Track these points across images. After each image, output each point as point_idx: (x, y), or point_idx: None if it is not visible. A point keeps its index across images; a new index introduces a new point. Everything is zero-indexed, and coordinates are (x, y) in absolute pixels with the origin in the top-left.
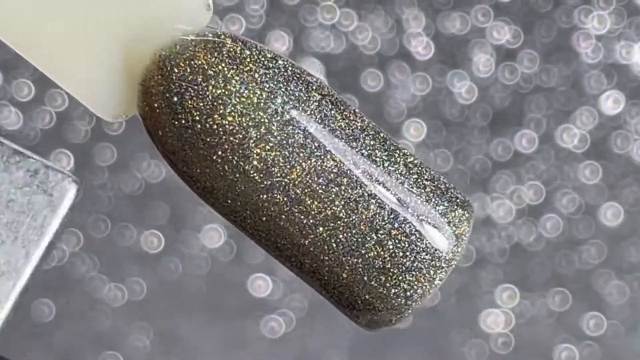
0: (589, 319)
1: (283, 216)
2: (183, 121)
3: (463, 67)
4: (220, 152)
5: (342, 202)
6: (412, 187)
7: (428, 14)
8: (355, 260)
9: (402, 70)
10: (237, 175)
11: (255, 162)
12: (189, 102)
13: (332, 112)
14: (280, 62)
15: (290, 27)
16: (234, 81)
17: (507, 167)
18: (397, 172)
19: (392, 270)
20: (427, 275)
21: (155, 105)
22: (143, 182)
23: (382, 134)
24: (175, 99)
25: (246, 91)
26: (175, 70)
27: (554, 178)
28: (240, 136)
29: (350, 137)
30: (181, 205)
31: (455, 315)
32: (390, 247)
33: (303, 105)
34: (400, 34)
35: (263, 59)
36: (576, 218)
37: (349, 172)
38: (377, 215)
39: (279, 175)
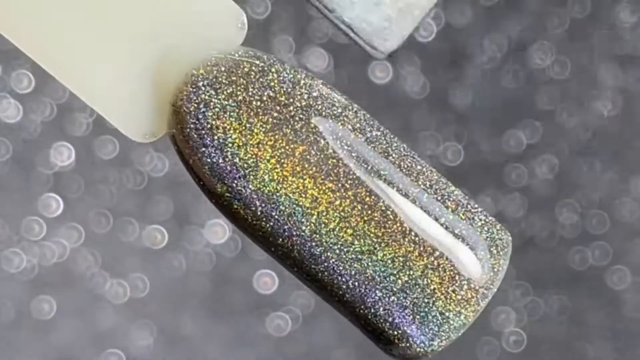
0: (603, 316)
1: (308, 242)
2: (214, 147)
3: (474, 58)
4: (251, 187)
5: (375, 234)
6: (449, 221)
7: (438, 4)
8: (390, 297)
9: (412, 61)
10: (269, 203)
11: (288, 192)
12: (222, 125)
13: (363, 128)
14: (312, 81)
15: (297, 17)
16: (269, 103)
17: (520, 160)
18: (432, 205)
19: (424, 306)
20: (461, 311)
21: (186, 127)
22: (146, 176)
23: (416, 157)
24: (207, 122)
25: (282, 114)
26: (208, 91)
27: (567, 172)
28: (275, 160)
29: (388, 165)
30: (185, 200)
31: None
32: (424, 283)
33: (341, 128)
34: None
35: (297, 78)
36: (590, 213)
37: (383, 203)
38: (412, 252)
39: (311, 203)
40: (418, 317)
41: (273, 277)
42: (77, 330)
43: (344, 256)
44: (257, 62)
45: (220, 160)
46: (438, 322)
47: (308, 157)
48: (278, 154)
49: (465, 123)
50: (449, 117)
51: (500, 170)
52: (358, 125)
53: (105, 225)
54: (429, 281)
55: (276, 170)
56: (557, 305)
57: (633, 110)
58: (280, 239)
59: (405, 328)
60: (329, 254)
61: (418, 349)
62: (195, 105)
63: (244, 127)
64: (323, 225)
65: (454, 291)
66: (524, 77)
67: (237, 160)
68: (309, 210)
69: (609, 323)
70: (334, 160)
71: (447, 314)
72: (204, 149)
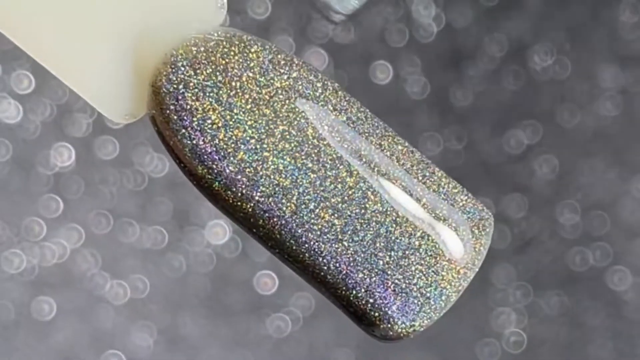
0: (603, 317)
1: (288, 222)
2: (194, 129)
3: (475, 58)
4: (231, 168)
5: (357, 215)
6: (430, 201)
7: (438, 4)
8: (371, 278)
9: (412, 62)
10: (249, 184)
11: (269, 172)
12: (201, 106)
13: (345, 110)
14: (292, 61)
15: (297, 18)
16: (248, 84)
17: (520, 160)
18: (413, 185)
19: (405, 287)
20: (443, 291)
21: (166, 108)
22: (146, 176)
23: (399, 138)
24: (187, 102)
25: (262, 94)
26: (187, 71)
27: (567, 172)
28: (255, 140)
29: (369, 145)
30: (185, 201)
31: (467, 314)
32: (405, 263)
33: (321, 109)
34: (410, 24)
35: (277, 59)
36: (591, 214)
37: (365, 183)
38: (393, 232)
39: (292, 183)
40: (399, 297)
41: (273, 278)
42: (77, 331)
43: (325, 237)
44: (237, 42)
45: (201, 142)
46: (419, 302)
47: (288, 137)
48: (258, 134)
49: (465, 123)
50: (450, 117)
51: (501, 171)
52: (339, 105)
53: (105, 226)
54: (411, 262)
55: (256, 151)
56: (558, 306)
57: (633, 110)
58: (261, 220)
59: (387, 309)
60: (309, 234)
61: (399, 330)
62: (175, 85)
63: (223, 108)
64: (304, 205)
65: (435, 272)
66: (524, 77)
67: (217, 141)
68: (290, 191)
69: (610, 324)
70: (315, 141)
71: (428, 294)
72: (183, 130)
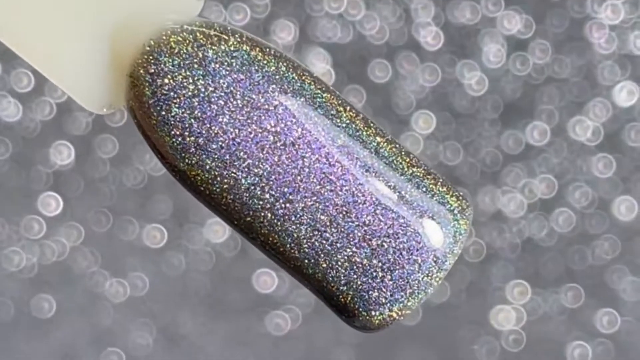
0: (602, 315)
1: (268, 213)
2: (173, 122)
3: (473, 58)
4: (210, 161)
5: (337, 206)
6: (409, 192)
7: (437, 3)
8: (351, 269)
9: (411, 60)
10: (230, 177)
11: (248, 165)
12: (179, 98)
13: (325, 103)
14: (270, 54)
15: (296, 17)
16: (226, 75)
17: (519, 160)
18: (393, 176)
19: (384, 277)
20: (422, 280)
21: (144, 100)
22: (145, 174)
23: (380, 130)
24: (164, 94)
25: (240, 86)
26: (165, 61)
27: (566, 171)
28: (234, 132)
29: (348, 137)
30: (184, 199)
31: (466, 312)
32: (385, 254)
33: (301, 101)
34: (409, 23)
35: (255, 52)
36: (589, 212)
37: (345, 173)
38: (372, 223)
39: (271, 175)
40: (378, 288)
41: (272, 276)
42: (77, 329)
43: (304, 228)
44: (214, 33)
45: (179, 137)
46: (399, 292)
47: (268, 128)
48: (237, 127)
49: (464, 122)
50: (448, 116)
51: (500, 170)
52: (318, 97)
53: (105, 224)
54: (390, 252)
55: (235, 143)
56: (557, 304)
57: (632, 110)
58: (242, 212)
59: (364, 300)
60: (289, 225)
61: (377, 321)
62: (152, 76)
63: (201, 100)
64: (283, 197)
65: (414, 261)
66: (524, 77)
67: (195, 135)
68: (269, 183)
69: (608, 322)
70: (294, 132)
71: (407, 284)
72: (163, 124)
